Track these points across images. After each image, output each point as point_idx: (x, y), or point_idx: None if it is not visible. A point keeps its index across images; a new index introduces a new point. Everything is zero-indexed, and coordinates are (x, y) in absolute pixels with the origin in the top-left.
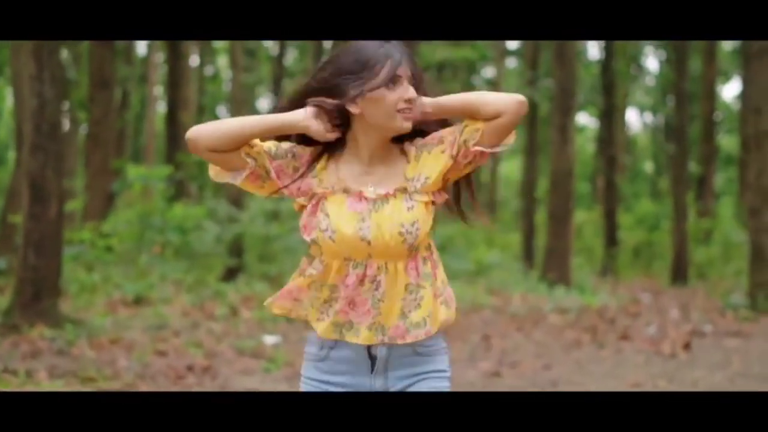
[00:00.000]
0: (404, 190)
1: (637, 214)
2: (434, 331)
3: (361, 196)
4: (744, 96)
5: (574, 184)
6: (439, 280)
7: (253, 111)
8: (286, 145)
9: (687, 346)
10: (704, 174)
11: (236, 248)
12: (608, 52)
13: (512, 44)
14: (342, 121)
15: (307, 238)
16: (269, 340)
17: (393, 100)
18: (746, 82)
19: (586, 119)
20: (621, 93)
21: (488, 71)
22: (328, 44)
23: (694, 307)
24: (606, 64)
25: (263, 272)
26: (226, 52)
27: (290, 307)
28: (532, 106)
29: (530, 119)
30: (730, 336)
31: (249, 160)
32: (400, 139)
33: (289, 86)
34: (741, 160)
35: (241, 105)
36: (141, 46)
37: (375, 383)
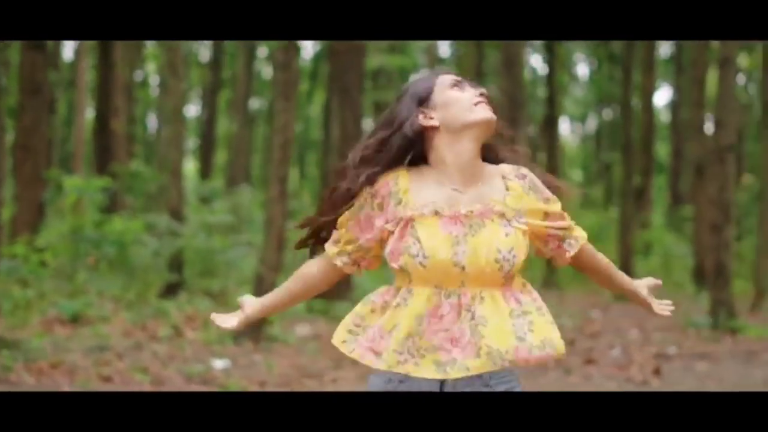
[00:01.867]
0: (502, 215)
1: (578, 225)
2: (557, 356)
3: (456, 218)
4: (674, 106)
5: None
6: (547, 312)
7: (183, 120)
8: (361, 196)
9: (657, 372)
10: (643, 185)
11: (176, 263)
12: (551, 63)
13: (444, 52)
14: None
15: (395, 266)
16: (218, 364)
17: (467, 97)
18: (680, 92)
19: None
20: (558, 103)
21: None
22: (262, 53)
23: (652, 325)
24: (549, 76)
25: (205, 288)
26: (155, 57)
27: (372, 358)
28: None
29: None
30: (698, 359)
31: (340, 260)
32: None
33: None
34: (672, 168)
35: (177, 115)
36: (68, 51)
37: None
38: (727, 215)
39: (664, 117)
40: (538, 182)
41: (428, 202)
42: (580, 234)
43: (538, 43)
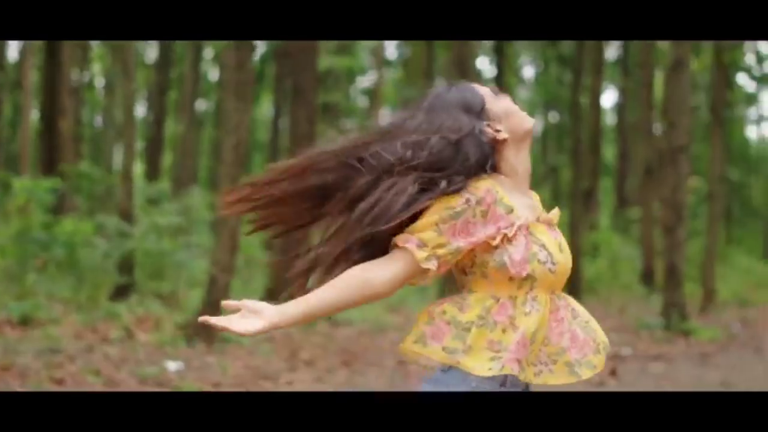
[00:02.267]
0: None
1: None
2: None
3: (548, 223)
4: (620, 108)
5: None
6: None
7: (134, 121)
8: (456, 201)
9: (613, 373)
10: (590, 187)
11: (127, 265)
12: (500, 65)
13: (391, 54)
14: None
15: (523, 273)
16: (172, 366)
17: (511, 102)
18: (625, 94)
19: None
20: None
21: (366, 80)
22: (209, 53)
23: (604, 327)
24: (498, 77)
25: (155, 290)
26: (101, 58)
27: (518, 368)
28: None
29: None
30: (652, 360)
31: (432, 264)
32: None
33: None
34: (618, 170)
35: (128, 116)
36: (13, 52)
37: None
38: (680, 216)
39: (609, 119)
40: None
41: (529, 209)
42: None
43: (487, 45)
